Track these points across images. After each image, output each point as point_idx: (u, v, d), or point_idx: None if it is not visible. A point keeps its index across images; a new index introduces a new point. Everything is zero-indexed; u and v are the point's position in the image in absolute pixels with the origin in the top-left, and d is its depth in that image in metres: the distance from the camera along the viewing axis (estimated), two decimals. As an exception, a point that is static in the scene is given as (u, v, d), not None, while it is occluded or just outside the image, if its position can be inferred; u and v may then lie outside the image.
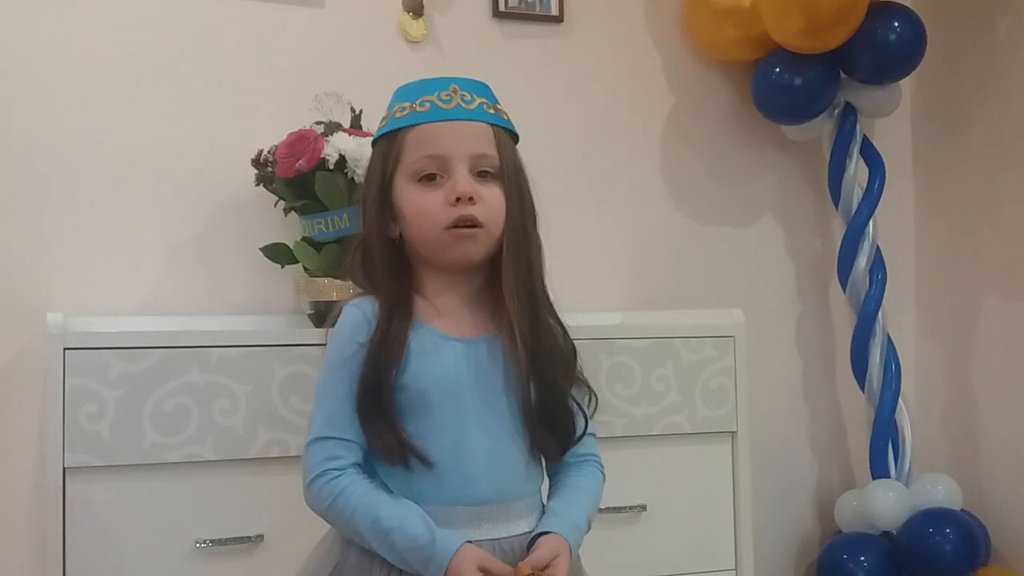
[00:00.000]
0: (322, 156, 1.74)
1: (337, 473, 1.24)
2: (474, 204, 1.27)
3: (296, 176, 1.75)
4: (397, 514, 1.21)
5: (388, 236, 1.32)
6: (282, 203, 1.86)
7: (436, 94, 1.29)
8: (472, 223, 1.27)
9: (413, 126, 1.29)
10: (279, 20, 2.01)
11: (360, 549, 1.25)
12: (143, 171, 1.92)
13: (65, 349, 1.54)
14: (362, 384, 1.24)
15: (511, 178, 1.32)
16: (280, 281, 1.93)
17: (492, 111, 1.33)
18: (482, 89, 1.34)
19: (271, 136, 1.82)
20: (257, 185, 1.85)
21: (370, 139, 1.41)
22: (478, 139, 1.30)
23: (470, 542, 1.22)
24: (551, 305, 1.36)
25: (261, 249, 1.88)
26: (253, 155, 1.84)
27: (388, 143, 1.31)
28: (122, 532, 1.56)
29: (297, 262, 1.84)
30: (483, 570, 1.19)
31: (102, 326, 1.72)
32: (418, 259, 1.33)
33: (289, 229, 1.89)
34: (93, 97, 1.90)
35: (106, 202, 1.89)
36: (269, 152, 1.82)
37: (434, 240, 1.28)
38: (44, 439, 1.57)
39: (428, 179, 1.28)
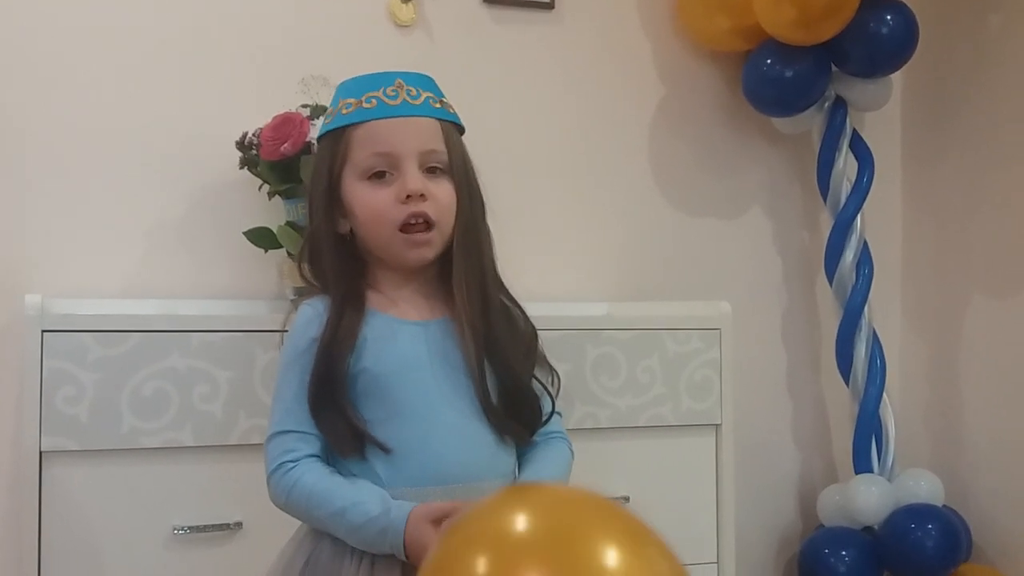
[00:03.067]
0: (307, 140, 1.72)
1: (291, 465, 1.25)
2: (425, 200, 1.28)
3: (281, 160, 1.74)
4: (350, 494, 1.22)
5: (337, 232, 1.33)
6: (266, 187, 1.83)
7: (382, 89, 1.30)
8: (424, 219, 1.28)
9: (360, 123, 1.29)
10: (266, 0, 1.99)
11: (332, 542, 1.25)
12: (125, 152, 1.89)
13: (43, 331, 1.52)
14: (314, 377, 1.26)
15: (460, 172, 1.33)
16: (263, 266, 1.91)
17: (438, 105, 1.33)
18: (427, 83, 1.34)
19: (256, 119, 1.80)
20: (241, 168, 1.83)
21: (322, 123, 1.40)
22: (426, 135, 1.30)
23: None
24: (506, 291, 1.38)
25: (244, 233, 1.86)
26: (237, 137, 1.82)
27: (335, 140, 1.31)
28: (99, 517, 1.54)
29: (281, 247, 1.82)
30: (435, 521, 1.20)
31: (81, 308, 1.70)
32: (370, 254, 1.34)
33: (273, 213, 1.86)
34: (75, 76, 1.87)
35: (87, 183, 1.87)
36: (254, 135, 1.80)
37: (387, 239, 1.30)
38: (20, 422, 1.55)
39: (377, 176, 1.29)
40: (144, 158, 1.90)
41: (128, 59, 1.90)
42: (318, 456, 1.27)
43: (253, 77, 1.95)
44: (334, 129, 1.31)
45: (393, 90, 1.29)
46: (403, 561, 1.21)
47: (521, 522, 0.98)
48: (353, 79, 1.33)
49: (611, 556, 0.95)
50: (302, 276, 1.36)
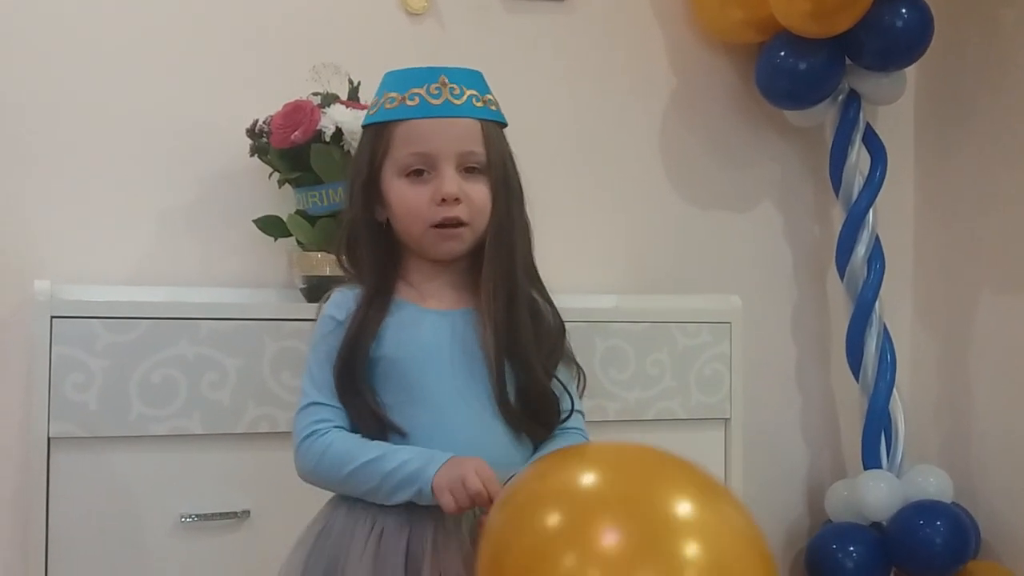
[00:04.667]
0: (318, 128, 1.71)
1: (324, 431, 1.27)
2: (459, 204, 1.30)
3: (291, 147, 1.73)
4: (383, 445, 1.25)
5: (375, 220, 1.36)
6: (276, 175, 1.83)
7: (425, 87, 1.30)
8: (458, 223, 1.31)
9: (402, 120, 1.31)
10: (278, -12, 1.98)
11: (346, 512, 1.27)
12: (136, 139, 1.89)
13: (52, 317, 1.52)
14: (338, 362, 1.29)
15: (498, 172, 1.34)
16: (273, 254, 1.91)
17: (480, 104, 1.34)
18: (472, 79, 1.35)
19: (267, 106, 1.79)
20: (251, 156, 1.83)
21: (367, 111, 1.40)
22: (465, 137, 1.31)
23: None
24: (539, 285, 1.38)
25: (254, 221, 1.85)
26: (248, 125, 1.81)
27: (377, 133, 1.33)
28: (106, 504, 1.54)
29: (290, 235, 1.82)
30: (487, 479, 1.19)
31: (90, 295, 1.70)
32: (404, 245, 1.36)
33: (283, 201, 1.86)
34: (84, 60, 1.86)
35: (97, 169, 1.86)
36: (264, 122, 1.79)
37: (419, 235, 1.33)
38: (29, 408, 1.55)
39: (416, 174, 1.31)
40: (154, 145, 1.89)
41: (138, 45, 1.89)
42: (347, 429, 1.29)
43: (264, 64, 1.95)
44: (377, 123, 1.33)
45: (436, 88, 1.30)
46: (409, 527, 1.23)
47: (590, 478, 0.98)
48: (399, 71, 1.34)
49: (686, 510, 0.95)
50: (340, 265, 1.39)
